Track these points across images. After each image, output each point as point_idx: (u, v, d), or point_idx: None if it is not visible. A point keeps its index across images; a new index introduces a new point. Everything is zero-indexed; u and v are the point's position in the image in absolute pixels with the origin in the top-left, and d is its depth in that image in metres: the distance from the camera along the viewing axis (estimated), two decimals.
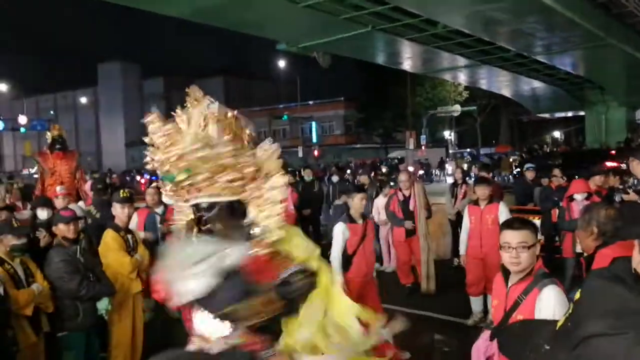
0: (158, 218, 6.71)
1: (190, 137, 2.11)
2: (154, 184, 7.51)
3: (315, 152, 39.81)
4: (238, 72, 62.06)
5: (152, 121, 2.17)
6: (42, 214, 5.64)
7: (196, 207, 2.23)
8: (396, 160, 31.68)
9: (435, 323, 6.71)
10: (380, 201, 9.07)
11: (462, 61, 25.45)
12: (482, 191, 6.45)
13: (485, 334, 3.10)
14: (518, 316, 2.80)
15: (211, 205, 2.21)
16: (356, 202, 5.46)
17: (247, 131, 2.31)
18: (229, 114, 2.24)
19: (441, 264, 8.47)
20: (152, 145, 2.19)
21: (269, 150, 2.31)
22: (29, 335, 4.01)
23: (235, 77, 60.26)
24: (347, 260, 5.29)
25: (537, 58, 24.66)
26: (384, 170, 25.20)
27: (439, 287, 7.70)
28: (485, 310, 6.39)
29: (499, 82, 33.79)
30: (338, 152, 44.39)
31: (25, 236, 4.15)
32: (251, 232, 2.25)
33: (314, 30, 17.73)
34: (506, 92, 38.14)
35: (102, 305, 4.36)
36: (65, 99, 64.33)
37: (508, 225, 3.02)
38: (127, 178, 23.62)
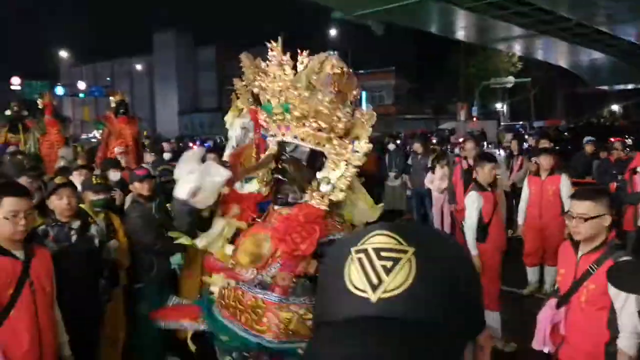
0: None
1: (299, 76, 2.22)
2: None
3: None
4: (290, 41, 61.74)
5: (273, 47, 2.29)
6: (114, 175, 5.93)
7: (280, 145, 2.36)
8: (447, 132, 31.20)
9: None
10: (438, 172, 9.14)
11: (518, 31, 24.72)
12: (546, 161, 6.37)
13: (552, 302, 3.13)
14: (590, 285, 2.84)
15: (294, 147, 2.33)
16: (486, 171, 5.32)
17: (354, 92, 2.40)
18: (344, 69, 2.33)
19: None
20: (264, 73, 2.32)
21: (365, 115, 2.39)
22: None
23: (286, 46, 60.06)
24: (483, 230, 5.15)
25: (599, 28, 23.70)
26: (434, 141, 24.90)
27: None
28: (541, 280, 6.41)
29: (557, 53, 32.71)
30: (388, 123, 43.93)
31: (103, 192, 4.37)
32: (320, 186, 2.34)
33: None
34: (563, 63, 36.89)
35: (175, 260, 4.61)
36: (121, 66, 65.69)
37: (575, 194, 3.09)
38: (180, 144, 24.13)
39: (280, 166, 2.36)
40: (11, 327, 2.69)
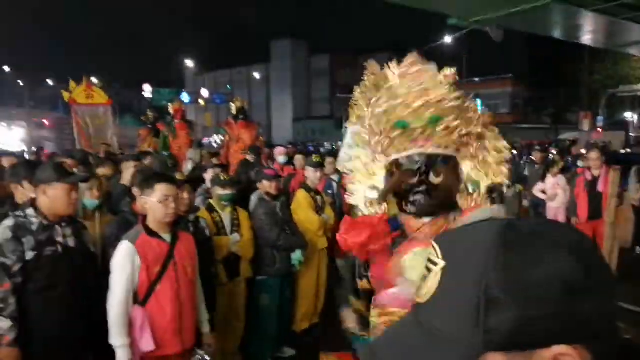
0: (335, 184, 7.25)
1: (446, 87, 2.22)
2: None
3: None
4: (402, 49, 61.62)
5: (411, 63, 2.30)
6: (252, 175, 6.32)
7: (409, 160, 2.33)
8: (568, 142, 29.52)
9: None
10: (549, 180, 8.79)
11: None
12: None
13: None
14: None
15: (434, 158, 2.28)
16: None
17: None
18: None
19: (621, 252, 7.93)
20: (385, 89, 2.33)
21: (487, 117, 2.40)
22: (221, 276, 4.52)
23: (400, 54, 59.60)
24: None
25: None
26: (554, 152, 23.75)
27: (617, 276, 7.27)
28: None
29: None
30: (503, 132, 41.30)
31: (230, 187, 4.63)
32: (468, 188, 2.33)
33: (489, 3, 17.03)
34: None
35: (296, 256, 4.82)
36: (240, 75, 68.83)
37: None
38: (295, 149, 24.92)
39: (421, 179, 2.27)
40: (157, 300, 3.04)
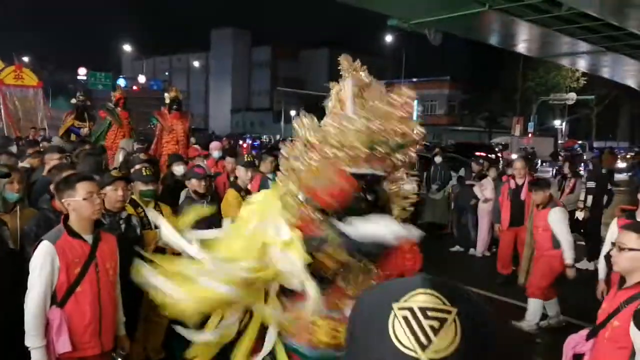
0: (270, 183, 7.23)
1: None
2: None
3: None
4: (344, 45, 62.06)
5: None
6: (179, 169, 6.19)
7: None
8: (500, 147, 30.61)
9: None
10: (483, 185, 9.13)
11: (584, 46, 23.79)
12: (536, 196, 6.08)
13: (583, 332, 3.06)
14: (615, 322, 2.73)
15: (368, 177, 2.52)
16: None
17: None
18: (367, 81, 2.52)
19: None
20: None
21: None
22: None
23: (340, 50, 60.05)
24: None
25: None
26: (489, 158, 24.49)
27: None
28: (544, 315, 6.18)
29: (624, 72, 31.25)
30: (438, 133, 43.52)
31: (152, 183, 4.57)
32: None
33: (429, 7, 17.41)
34: (631, 83, 35.26)
35: None
36: (179, 62, 67.40)
37: (627, 225, 3.04)
38: (231, 142, 24.42)
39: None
40: (77, 301, 2.98)
